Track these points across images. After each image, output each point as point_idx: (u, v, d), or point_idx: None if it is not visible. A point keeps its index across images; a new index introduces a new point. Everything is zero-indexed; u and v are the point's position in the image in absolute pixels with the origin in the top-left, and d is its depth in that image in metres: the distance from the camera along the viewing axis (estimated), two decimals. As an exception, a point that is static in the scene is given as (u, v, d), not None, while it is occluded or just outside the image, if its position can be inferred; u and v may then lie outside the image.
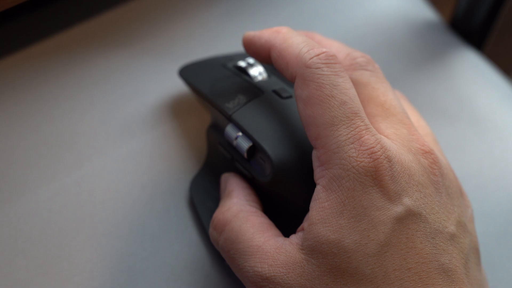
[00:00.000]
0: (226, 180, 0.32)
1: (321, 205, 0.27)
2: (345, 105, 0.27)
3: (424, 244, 0.27)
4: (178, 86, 0.38)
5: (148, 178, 0.35)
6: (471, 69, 0.43)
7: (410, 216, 0.27)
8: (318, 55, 0.28)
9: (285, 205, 0.31)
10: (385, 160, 0.27)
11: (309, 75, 0.28)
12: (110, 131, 0.36)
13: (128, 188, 0.35)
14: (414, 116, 0.34)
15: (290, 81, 0.31)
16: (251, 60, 0.34)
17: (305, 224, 0.28)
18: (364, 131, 0.27)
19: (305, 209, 0.29)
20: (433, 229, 0.27)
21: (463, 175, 0.38)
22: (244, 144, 0.31)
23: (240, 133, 0.31)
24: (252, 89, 0.33)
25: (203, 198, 0.34)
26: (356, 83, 0.31)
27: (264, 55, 0.31)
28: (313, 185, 0.29)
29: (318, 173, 0.28)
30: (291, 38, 0.30)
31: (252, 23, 0.42)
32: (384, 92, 0.30)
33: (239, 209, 0.30)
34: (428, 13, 0.46)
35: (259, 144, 0.30)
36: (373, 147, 0.27)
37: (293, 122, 0.31)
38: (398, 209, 0.27)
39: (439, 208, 0.28)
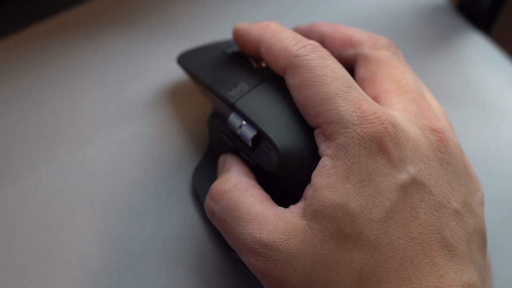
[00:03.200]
0: (224, 160, 0.32)
1: (326, 172, 0.27)
2: (338, 81, 0.28)
3: (427, 215, 0.27)
4: (179, 69, 0.38)
5: (149, 161, 0.35)
6: (478, 52, 0.43)
7: (415, 185, 0.27)
8: (305, 46, 0.29)
9: (290, 193, 0.30)
10: (389, 125, 0.27)
11: (298, 63, 0.29)
12: (111, 113, 0.36)
13: (129, 171, 0.34)
14: (427, 96, 0.33)
15: (280, 76, 0.31)
16: None
17: (307, 192, 0.28)
18: (363, 101, 0.28)
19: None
20: (436, 201, 0.27)
21: (470, 158, 0.38)
22: (248, 133, 0.30)
23: (244, 122, 0.31)
24: (253, 76, 0.32)
25: (206, 187, 0.33)
26: (377, 61, 0.31)
27: (252, 49, 0.32)
28: None
29: (323, 146, 0.28)
30: (280, 33, 0.31)
31: (255, 5, 0.41)
32: (403, 71, 0.31)
33: (238, 180, 0.30)
34: (434, -4, 0.45)
35: (264, 133, 0.30)
36: (376, 113, 0.27)
37: (297, 109, 0.30)
38: (402, 176, 0.27)
39: (443, 182, 0.28)
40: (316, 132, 0.29)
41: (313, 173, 0.28)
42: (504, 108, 0.41)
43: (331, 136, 0.27)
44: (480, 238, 0.29)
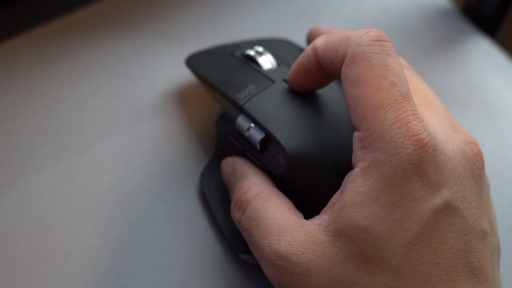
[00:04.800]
0: (231, 164, 0.32)
1: (356, 189, 0.26)
2: (395, 87, 0.26)
3: (457, 239, 0.26)
4: (187, 71, 0.38)
5: (156, 164, 0.35)
6: (484, 56, 0.43)
7: (447, 210, 0.26)
8: (368, 32, 0.27)
9: (299, 196, 0.30)
10: (431, 148, 0.26)
11: (359, 53, 0.27)
12: (118, 115, 0.36)
13: (135, 173, 0.34)
14: None
15: (338, 75, 0.29)
16: (259, 49, 0.34)
17: (335, 206, 0.27)
18: (411, 117, 0.26)
19: (319, 200, 0.28)
20: (468, 225, 0.26)
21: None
22: (256, 135, 0.30)
23: (252, 124, 0.30)
24: (262, 78, 0.32)
25: (214, 190, 0.33)
26: None
27: (314, 67, 0.30)
28: (328, 175, 0.28)
29: (358, 155, 0.27)
30: (334, 31, 0.29)
31: (262, 7, 0.41)
32: (426, 88, 0.31)
33: (261, 188, 0.29)
34: (441, 0, 0.45)
35: (273, 135, 0.29)
36: (420, 134, 0.26)
37: (305, 112, 0.30)
38: (436, 201, 0.25)
39: (476, 203, 0.27)
40: (355, 134, 0.27)
41: (343, 185, 0.27)
42: (509, 112, 0.41)
43: (370, 147, 0.26)
44: (498, 254, 0.29)
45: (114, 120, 0.36)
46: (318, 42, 0.29)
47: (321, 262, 0.26)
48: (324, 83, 0.31)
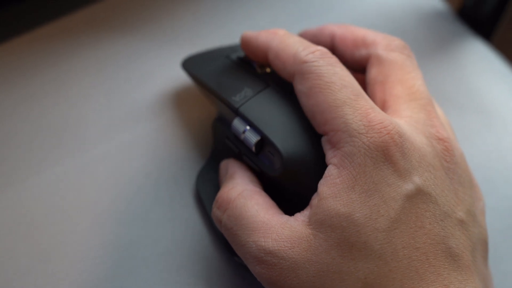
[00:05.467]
0: (226, 165, 0.32)
1: (332, 181, 0.27)
2: (346, 88, 0.28)
3: (433, 225, 0.27)
4: (184, 74, 0.38)
5: (153, 165, 0.35)
6: (480, 59, 0.43)
7: (420, 195, 0.27)
8: (313, 52, 0.29)
9: (294, 198, 0.30)
10: (396, 135, 0.27)
11: (307, 69, 0.29)
12: (116, 116, 0.36)
13: (132, 175, 0.34)
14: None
15: (288, 81, 0.31)
16: None
17: (313, 201, 0.28)
18: (370, 110, 0.28)
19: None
20: (442, 211, 0.27)
21: (471, 166, 0.38)
22: (252, 138, 0.30)
23: (248, 127, 0.31)
24: (258, 81, 0.32)
25: (210, 192, 0.33)
26: (390, 63, 0.31)
27: (261, 56, 0.32)
28: None
29: (329, 154, 0.28)
30: (288, 39, 0.31)
31: (260, 10, 0.41)
32: (415, 77, 0.31)
33: (243, 188, 0.30)
34: (437, 2, 0.45)
35: (268, 138, 0.30)
36: (382, 122, 0.27)
37: (301, 115, 0.31)
38: (408, 186, 0.27)
39: (448, 192, 0.28)
40: (323, 139, 0.29)
41: (319, 182, 0.28)
42: (505, 115, 0.41)
43: (337, 144, 0.27)
44: (483, 247, 0.29)
45: (111, 122, 0.36)
46: (272, 44, 0.31)
47: (308, 255, 0.26)
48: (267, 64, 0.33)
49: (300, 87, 0.29)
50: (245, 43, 0.33)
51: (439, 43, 0.43)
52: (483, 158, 0.39)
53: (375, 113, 0.27)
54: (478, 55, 0.43)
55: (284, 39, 0.31)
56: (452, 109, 0.40)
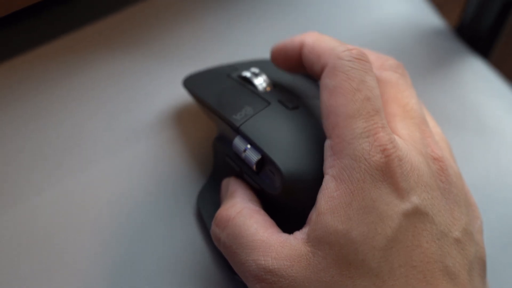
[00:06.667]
0: (227, 184, 0.33)
1: (330, 195, 0.27)
2: (368, 101, 0.28)
3: (430, 244, 0.27)
4: (185, 92, 0.38)
5: (154, 183, 0.35)
6: (478, 77, 0.43)
7: (418, 215, 0.27)
8: (351, 50, 0.29)
9: (294, 216, 0.30)
10: (396, 158, 0.27)
11: (340, 66, 0.29)
12: (116, 135, 0.36)
13: (133, 193, 0.34)
14: (430, 122, 0.34)
15: (316, 77, 0.31)
16: (255, 70, 0.34)
17: (312, 216, 0.28)
18: (380, 128, 0.28)
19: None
20: (439, 230, 0.27)
21: (469, 184, 0.38)
22: (253, 157, 0.30)
23: (248, 145, 0.31)
24: (258, 100, 0.32)
25: (211, 210, 0.33)
26: (384, 82, 0.31)
27: (294, 56, 0.32)
28: None
29: (329, 162, 0.28)
30: (324, 36, 0.31)
31: (261, 28, 0.42)
32: (409, 95, 0.31)
33: (243, 206, 0.30)
34: (434, 20, 0.46)
35: (269, 157, 0.30)
36: (386, 145, 0.27)
37: (302, 133, 0.31)
38: (406, 206, 0.27)
39: (445, 211, 0.28)
40: (326, 143, 0.29)
41: (318, 195, 0.28)
42: (503, 133, 0.41)
43: (339, 153, 0.28)
44: (480, 265, 0.29)
45: (113, 140, 0.36)
46: (308, 39, 0.31)
47: (307, 273, 0.27)
48: (299, 71, 0.33)
49: (326, 81, 0.29)
50: (277, 49, 0.33)
51: (437, 60, 0.43)
52: (481, 175, 0.39)
53: (384, 133, 0.28)
54: (476, 72, 0.43)
55: (320, 36, 0.31)
56: (450, 127, 0.40)
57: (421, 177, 0.28)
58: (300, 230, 0.28)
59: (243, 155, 0.31)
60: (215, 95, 0.33)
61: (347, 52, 0.29)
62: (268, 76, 0.34)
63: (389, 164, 0.27)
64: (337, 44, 0.30)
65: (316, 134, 0.31)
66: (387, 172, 0.27)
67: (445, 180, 0.29)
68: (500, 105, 0.42)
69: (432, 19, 0.46)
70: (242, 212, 0.29)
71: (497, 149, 0.40)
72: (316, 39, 0.31)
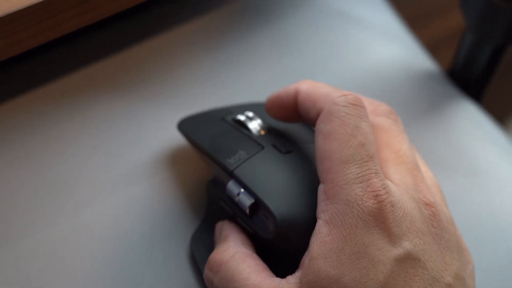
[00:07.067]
0: (221, 227, 0.33)
1: (322, 239, 0.27)
2: (362, 147, 0.28)
3: None
4: (179, 135, 0.38)
5: (147, 225, 0.35)
6: (469, 121, 0.44)
7: (409, 260, 0.27)
8: (346, 95, 0.30)
9: (287, 260, 0.31)
10: (388, 204, 0.27)
11: (335, 111, 0.29)
12: (110, 177, 0.36)
13: (127, 235, 0.34)
14: (422, 167, 0.34)
15: (312, 124, 0.31)
16: (249, 114, 0.35)
17: (304, 260, 0.28)
18: (373, 174, 0.28)
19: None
20: (430, 276, 0.27)
21: (461, 228, 0.38)
22: (246, 201, 0.31)
23: (242, 190, 0.31)
24: (252, 144, 0.33)
25: (205, 253, 0.33)
26: (377, 128, 0.32)
27: (289, 105, 0.32)
28: None
29: (322, 207, 0.28)
30: (318, 83, 0.32)
31: (256, 71, 0.42)
32: (401, 141, 0.32)
33: (236, 251, 0.30)
34: (427, 63, 0.46)
35: (262, 201, 0.30)
36: (379, 191, 0.27)
37: (295, 178, 0.31)
38: (398, 251, 0.27)
39: (437, 257, 0.28)
40: (320, 188, 0.29)
41: (310, 239, 0.28)
42: (495, 176, 0.41)
43: (332, 198, 0.28)
44: None
45: (107, 182, 0.36)
46: (303, 87, 0.31)
47: None
48: (294, 120, 0.33)
49: (321, 126, 0.29)
50: (272, 99, 0.33)
51: (428, 103, 0.43)
52: (473, 219, 0.39)
53: (377, 179, 0.28)
54: (468, 116, 0.44)
55: (315, 83, 0.32)
56: (442, 171, 0.40)
57: (413, 223, 0.28)
58: (293, 275, 0.28)
59: (236, 199, 0.31)
60: (209, 138, 0.34)
61: (343, 97, 0.29)
62: (263, 120, 0.34)
63: (381, 210, 0.27)
64: (332, 90, 0.30)
65: (309, 178, 0.31)
66: (380, 218, 0.27)
67: (437, 226, 0.29)
68: (492, 148, 0.43)
69: (424, 62, 0.46)
70: (235, 256, 0.30)
71: (489, 193, 0.40)
72: (311, 86, 0.31)
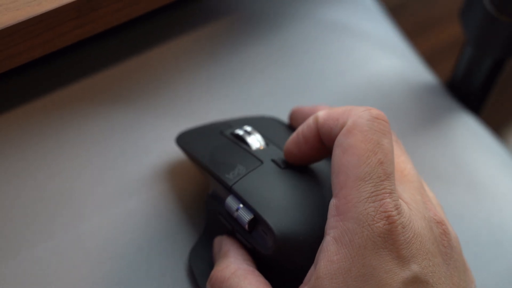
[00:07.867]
0: (220, 242, 0.32)
1: (330, 258, 0.27)
2: (381, 165, 0.28)
3: None
4: (178, 148, 0.38)
5: (145, 239, 0.35)
6: (469, 133, 0.44)
7: (418, 283, 0.27)
8: (370, 109, 0.29)
9: (287, 275, 0.30)
10: (399, 225, 0.27)
11: (358, 125, 0.28)
12: (108, 190, 0.36)
13: (124, 249, 0.34)
14: (425, 187, 0.34)
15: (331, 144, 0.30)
16: (248, 128, 0.34)
17: (310, 277, 0.28)
18: (387, 194, 0.27)
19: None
20: None
21: (460, 242, 0.38)
22: (245, 216, 0.31)
23: (241, 205, 0.31)
24: (251, 158, 0.33)
25: (203, 268, 0.33)
26: None
27: (312, 136, 0.31)
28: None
29: (332, 222, 0.28)
30: (335, 107, 0.31)
31: (255, 85, 0.42)
32: (405, 160, 0.32)
33: (237, 267, 0.30)
34: (426, 75, 0.46)
35: (261, 217, 0.30)
36: (391, 211, 0.27)
37: (294, 193, 0.31)
38: (405, 274, 0.27)
39: (445, 279, 0.28)
40: (332, 201, 0.28)
41: (317, 255, 0.28)
42: (495, 190, 0.41)
43: (343, 215, 0.27)
44: None
45: (105, 195, 0.36)
46: (321, 112, 0.31)
47: None
48: (318, 155, 0.32)
49: (342, 139, 0.29)
50: (294, 139, 0.32)
51: (428, 116, 0.43)
52: (473, 233, 0.39)
53: (390, 199, 0.27)
54: (467, 129, 0.44)
55: (331, 107, 0.32)
56: (441, 184, 0.40)
57: (423, 244, 0.28)
58: None
59: (235, 214, 0.31)
60: (208, 153, 0.34)
61: (367, 111, 0.29)
62: (262, 134, 0.34)
63: (392, 232, 0.27)
64: (353, 106, 0.30)
65: (309, 193, 0.31)
66: (389, 239, 0.27)
67: (447, 245, 0.29)
68: (491, 161, 0.43)
69: (423, 75, 0.46)
70: (236, 273, 0.29)
71: (489, 206, 0.40)
72: (329, 108, 0.31)
